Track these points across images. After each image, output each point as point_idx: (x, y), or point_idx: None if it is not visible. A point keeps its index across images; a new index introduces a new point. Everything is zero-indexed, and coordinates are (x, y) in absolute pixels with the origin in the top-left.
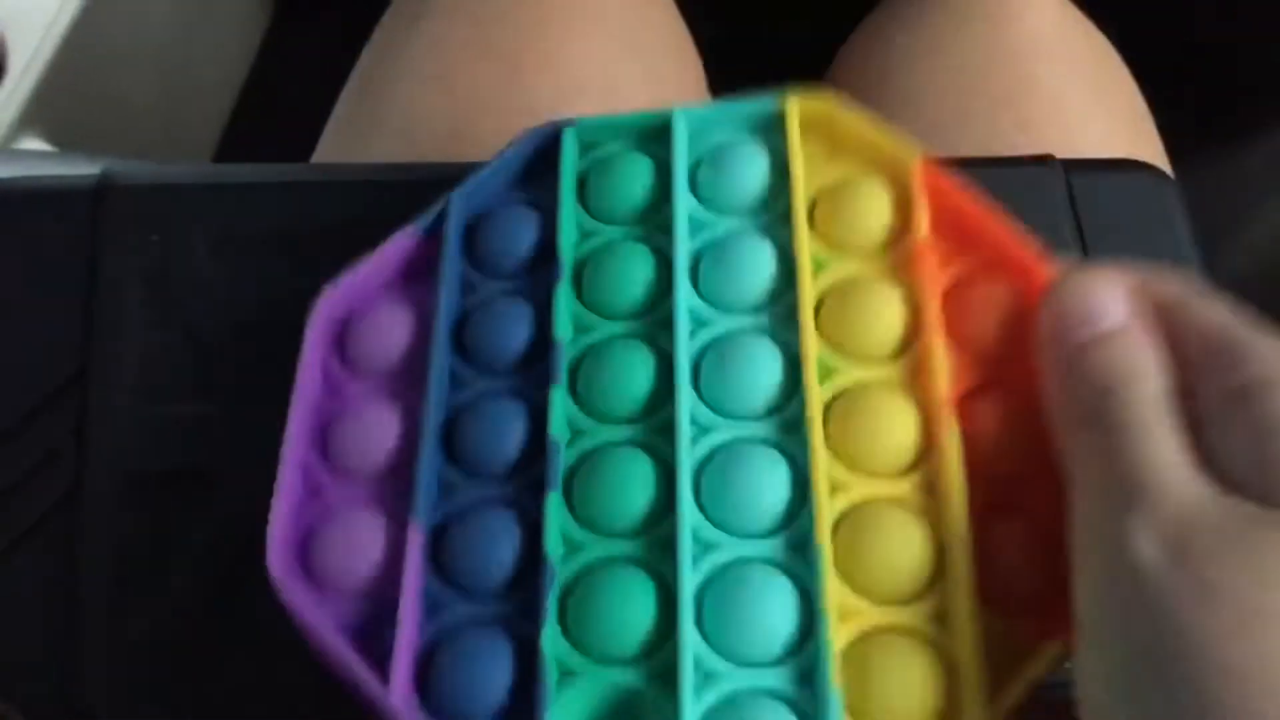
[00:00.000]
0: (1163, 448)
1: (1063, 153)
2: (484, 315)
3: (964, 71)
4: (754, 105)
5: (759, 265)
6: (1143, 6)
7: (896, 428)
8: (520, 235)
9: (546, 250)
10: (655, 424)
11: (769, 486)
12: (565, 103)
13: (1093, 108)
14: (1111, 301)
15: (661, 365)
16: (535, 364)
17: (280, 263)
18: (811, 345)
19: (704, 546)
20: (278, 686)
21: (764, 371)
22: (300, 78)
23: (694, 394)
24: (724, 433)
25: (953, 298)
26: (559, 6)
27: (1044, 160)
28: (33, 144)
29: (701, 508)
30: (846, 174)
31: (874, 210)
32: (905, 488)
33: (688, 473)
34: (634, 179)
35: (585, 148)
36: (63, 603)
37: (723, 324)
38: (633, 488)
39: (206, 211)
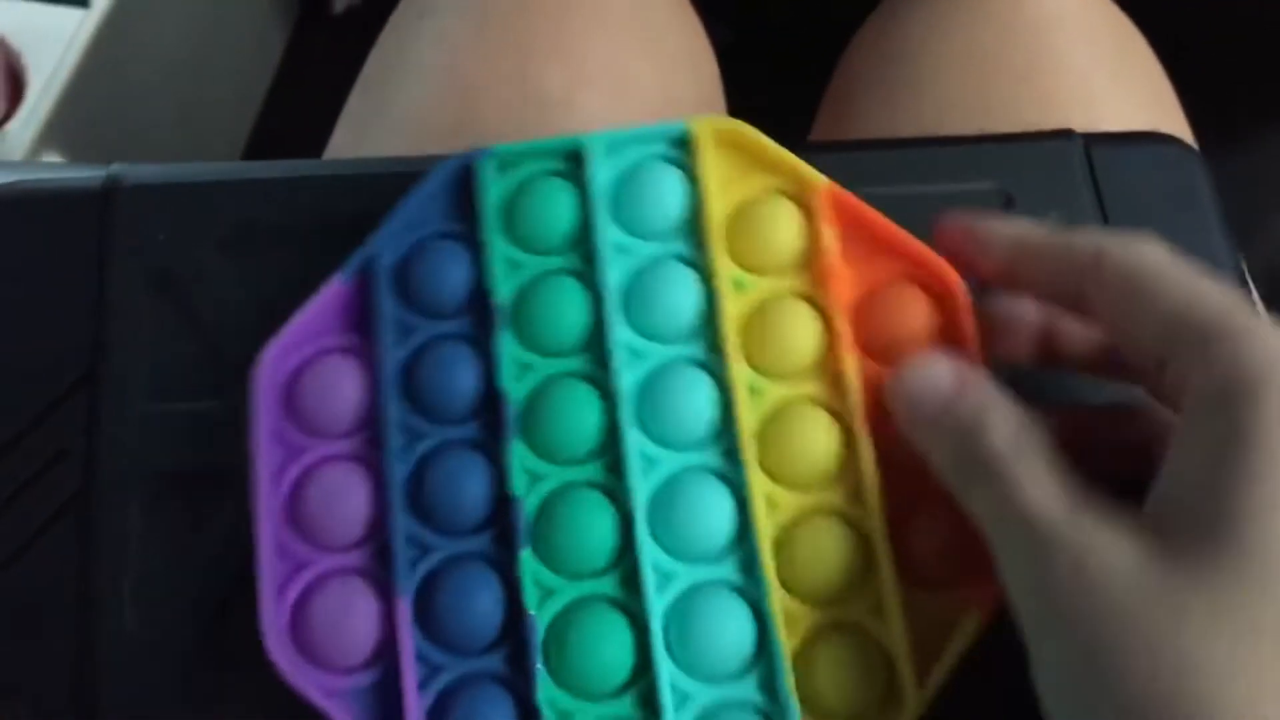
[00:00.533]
0: (1036, 489)
1: (1084, 129)
2: (429, 364)
3: (983, 47)
4: (666, 129)
5: (684, 293)
6: None
7: (819, 443)
8: (451, 274)
9: (478, 288)
10: (607, 462)
11: (715, 513)
12: (574, 94)
13: (1114, 83)
14: (942, 373)
15: (606, 403)
16: (486, 413)
17: (289, 258)
18: (740, 373)
19: (664, 577)
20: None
21: (700, 401)
22: (318, 98)
23: (639, 432)
24: (670, 464)
25: (865, 309)
26: (566, 1)
27: (1064, 134)
28: (52, 160)
29: (657, 540)
30: (758, 196)
31: (785, 231)
32: (832, 498)
33: (643, 510)
34: (556, 207)
35: (504, 171)
36: (73, 603)
37: (657, 356)
38: (594, 531)
39: (214, 209)
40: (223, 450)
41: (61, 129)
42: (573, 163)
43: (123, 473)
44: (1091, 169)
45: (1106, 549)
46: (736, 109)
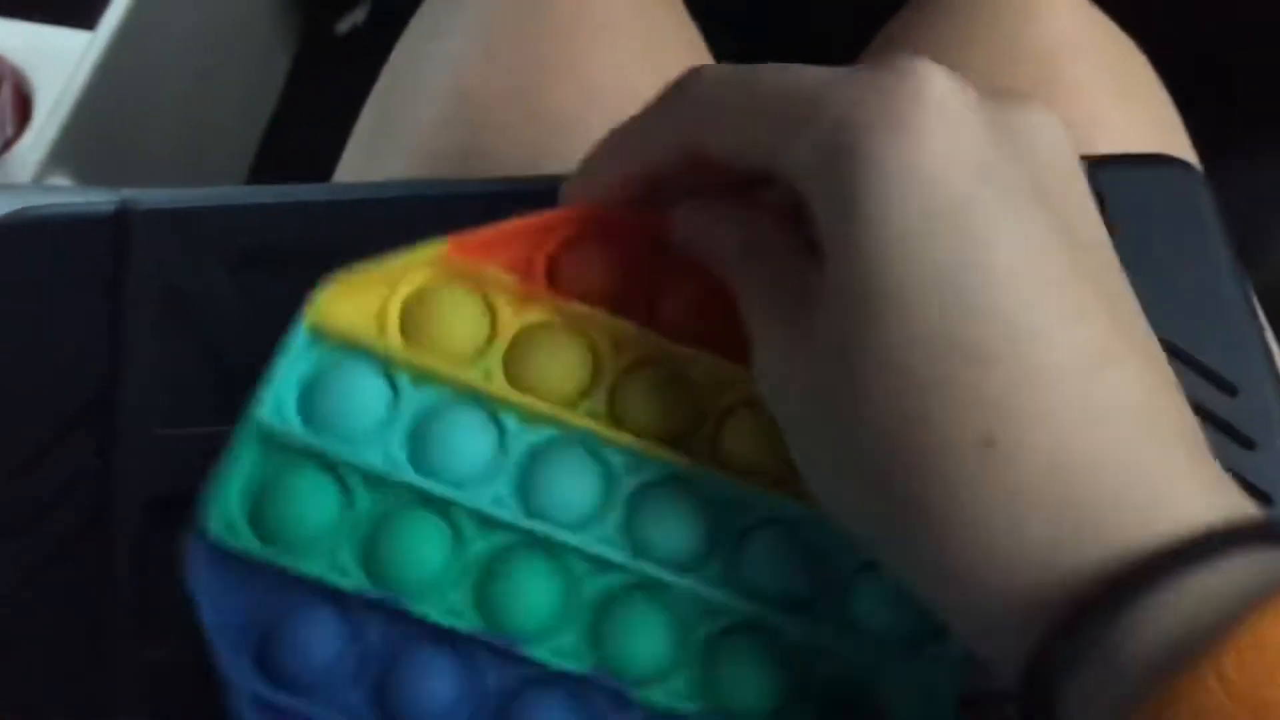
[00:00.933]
0: None
1: (1089, 151)
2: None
3: (989, 70)
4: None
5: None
6: (1159, 11)
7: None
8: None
9: None
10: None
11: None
12: (582, 113)
13: (1119, 106)
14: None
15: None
16: None
17: (301, 282)
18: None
19: None
20: None
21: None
22: (324, 116)
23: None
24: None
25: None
26: (571, 16)
27: None
28: (60, 183)
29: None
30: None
31: (461, 313)
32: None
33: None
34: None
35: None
36: (90, 627)
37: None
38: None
39: (226, 234)
40: None
41: (69, 150)
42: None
43: (138, 496)
44: (1098, 192)
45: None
46: None
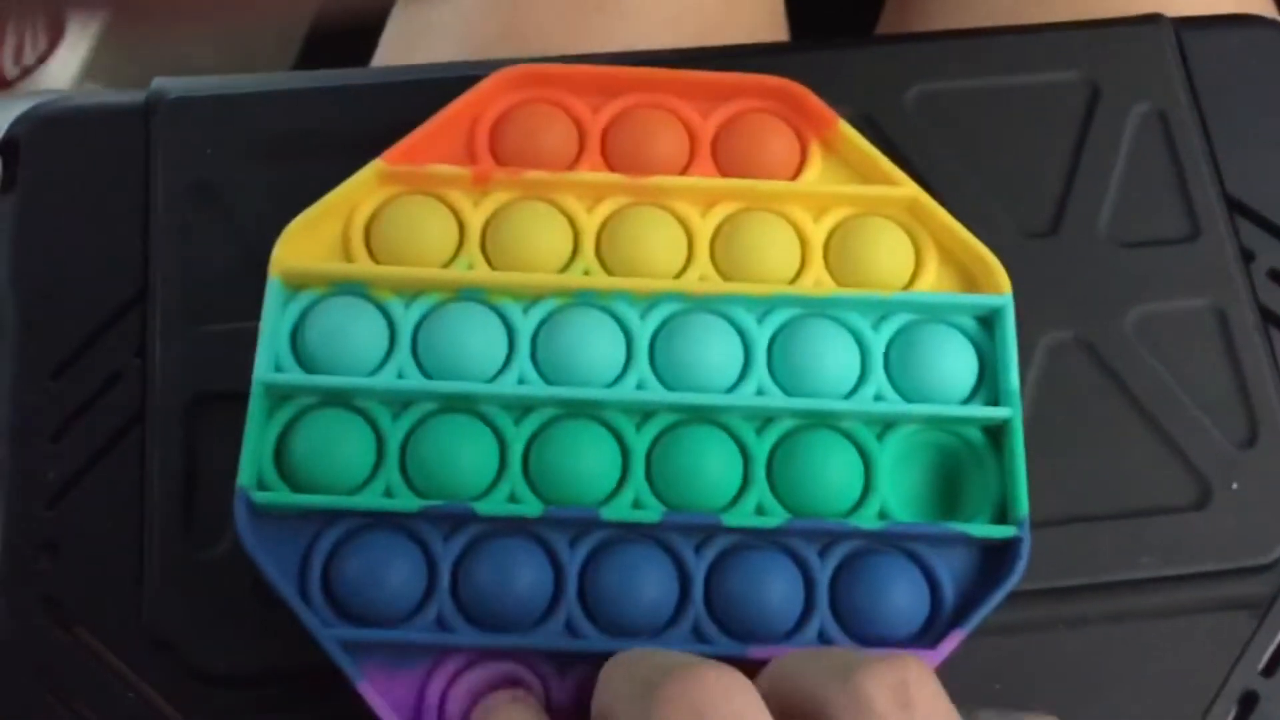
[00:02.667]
0: None
1: (1172, 12)
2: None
3: None
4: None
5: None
6: None
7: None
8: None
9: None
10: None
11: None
12: None
13: None
14: None
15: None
16: None
17: (337, 167)
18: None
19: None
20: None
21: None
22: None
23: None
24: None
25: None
26: None
27: (1152, 19)
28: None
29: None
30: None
31: (423, 217)
32: None
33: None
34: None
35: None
36: (135, 526)
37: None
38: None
39: (258, 120)
40: None
41: (102, 65)
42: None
43: (177, 393)
44: (1183, 55)
45: None
46: (794, 5)
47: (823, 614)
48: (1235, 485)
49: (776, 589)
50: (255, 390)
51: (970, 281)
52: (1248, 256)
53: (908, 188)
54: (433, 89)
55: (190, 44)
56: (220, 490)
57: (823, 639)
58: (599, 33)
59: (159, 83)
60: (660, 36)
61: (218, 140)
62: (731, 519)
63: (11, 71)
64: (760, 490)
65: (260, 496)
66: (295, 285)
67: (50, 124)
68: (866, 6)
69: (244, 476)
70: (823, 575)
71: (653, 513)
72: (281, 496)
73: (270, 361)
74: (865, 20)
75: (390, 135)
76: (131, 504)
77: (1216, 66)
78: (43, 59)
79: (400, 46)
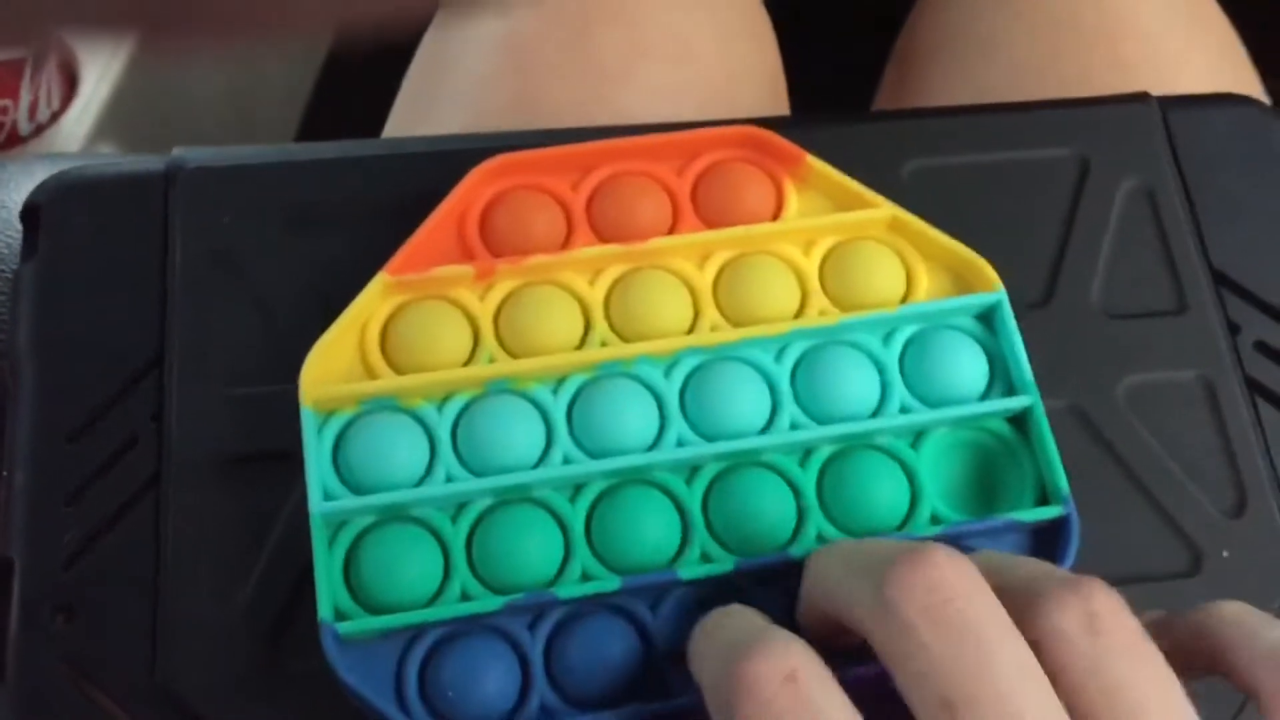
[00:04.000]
0: None
1: (1158, 91)
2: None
3: (1053, 9)
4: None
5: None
6: None
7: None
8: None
9: None
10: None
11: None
12: (633, 65)
13: (1187, 45)
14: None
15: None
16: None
17: (354, 237)
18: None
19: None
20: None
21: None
22: (370, 75)
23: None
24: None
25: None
26: None
27: (1140, 98)
28: (108, 152)
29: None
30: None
31: (437, 322)
32: None
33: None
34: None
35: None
36: (150, 588)
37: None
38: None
39: (277, 190)
40: (292, 431)
41: (115, 121)
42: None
43: (193, 457)
44: (1169, 132)
45: None
46: (796, 80)
47: None
48: (1225, 554)
49: None
50: (314, 523)
51: (962, 283)
52: (1234, 329)
53: (885, 208)
54: (447, 159)
55: (204, 103)
56: (234, 552)
57: None
58: (607, 102)
59: (179, 152)
60: (666, 107)
61: (235, 209)
62: (798, 550)
63: (26, 128)
64: (817, 520)
65: (345, 628)
66: (327, 411)
67: (71, 191)
68: (865, 79)
69: (323, 610)
70: None
71: (725, 563)
72: (365, 624)
73: (320, 491)
74: (865, 91)
75: (403, 205)
76: (147, 566)
77: (1202, 144)
78: (56, 116)
79: (414, 111)
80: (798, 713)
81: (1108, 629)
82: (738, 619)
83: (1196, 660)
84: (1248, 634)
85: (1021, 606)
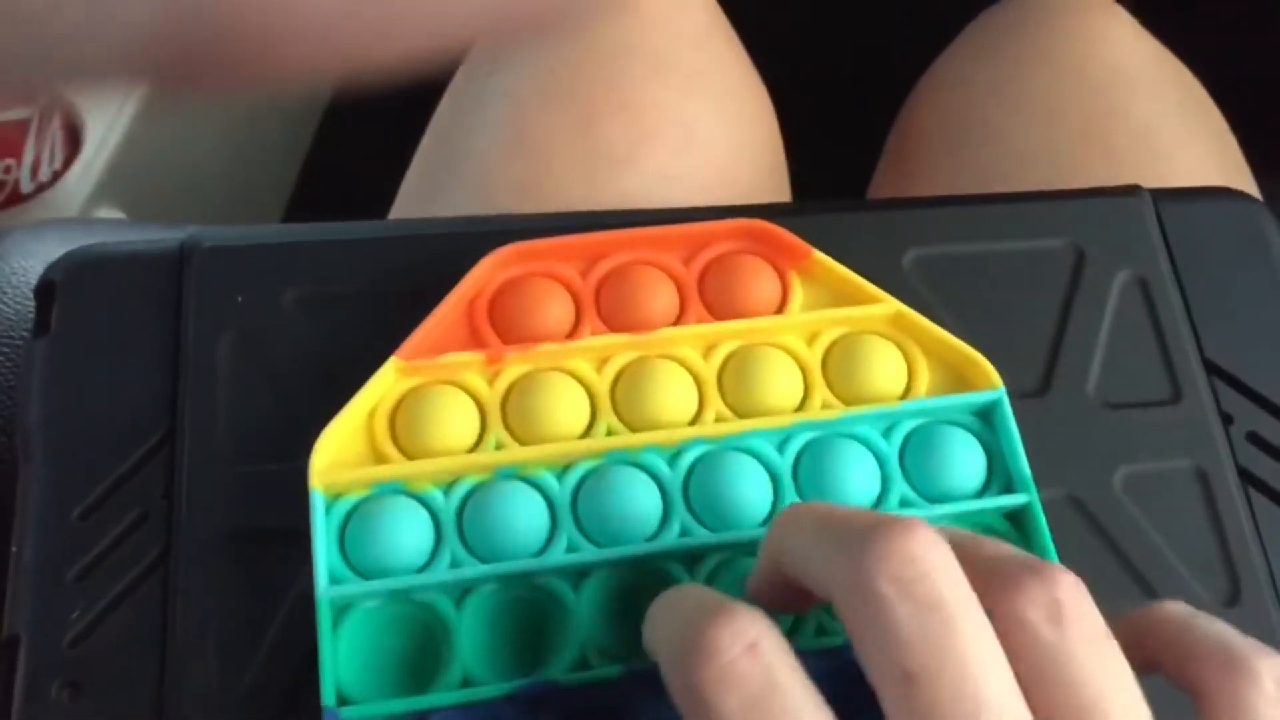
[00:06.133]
0: None
1: (1151, 183)
2: None
3: (1048, 101)
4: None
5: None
6: (1215, 35)
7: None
8: None
9: None
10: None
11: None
12: (638, 151)
13: (1180, 138)
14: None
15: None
16: None
17: (365, 317)
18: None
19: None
20: None
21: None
22: (366, 140)
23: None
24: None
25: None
26: (630, 52)
27: (1132, 190)
28: (109, 214)
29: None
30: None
31: (445, 408)
32: None
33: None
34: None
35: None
36: (157, 666)
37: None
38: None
39: (291, 271)
40: (303, 509)
41: (116, 183)
42: None
43: (204, 534)
44: (1162, 225)
45: None
46: (795, 157)
47: None
48: None
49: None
50: (319, 608)
51: (962, 380)
52: (1227, 419)
53: (889, 304)
54: (457, 242)
55: (205, 163)
56: (241, 630)
57: None
58: (614, 185)
59: (194, 232)
60: (672, 191)
61: (249, 288)
62: (804, 643)
63: (28, 187)
64: (816, 613)
65: (348, 712)
66: (336, 494)
67: (86, 269)
68: (865, 164)
69: (326, 696)
70: None
71: None
72: (369, 709)
73: (325, 576)
74: (864, 175)
75: (413, 286)
76: (155, 643)
77: (1194, 236)
78: (58, 175)
79: (425, 188)
80: (757, 679)
81: (1070, 618)
82: (699, 592)
83: (1136, 658)
84: (1184, 630)
85: (984, 588)
